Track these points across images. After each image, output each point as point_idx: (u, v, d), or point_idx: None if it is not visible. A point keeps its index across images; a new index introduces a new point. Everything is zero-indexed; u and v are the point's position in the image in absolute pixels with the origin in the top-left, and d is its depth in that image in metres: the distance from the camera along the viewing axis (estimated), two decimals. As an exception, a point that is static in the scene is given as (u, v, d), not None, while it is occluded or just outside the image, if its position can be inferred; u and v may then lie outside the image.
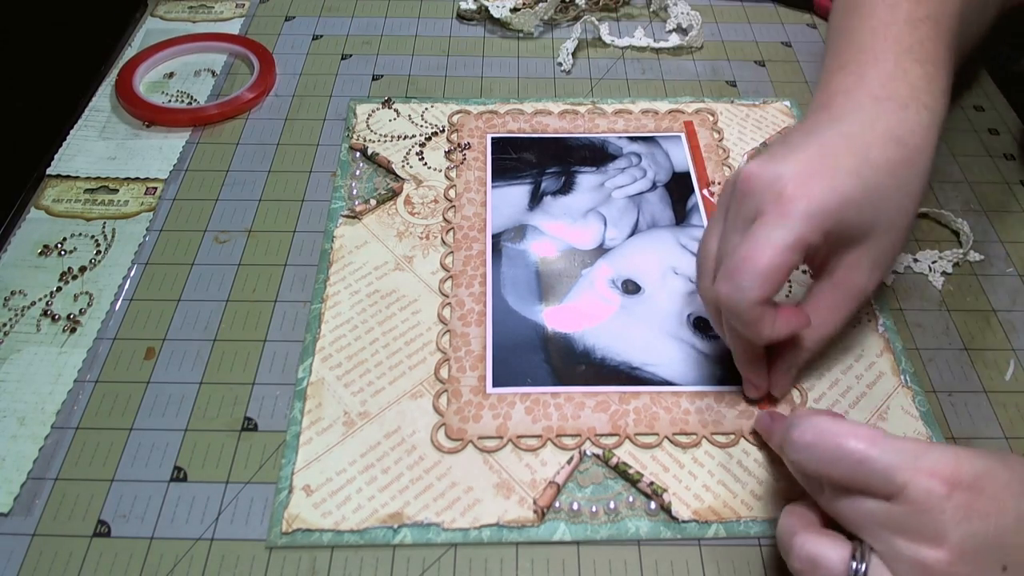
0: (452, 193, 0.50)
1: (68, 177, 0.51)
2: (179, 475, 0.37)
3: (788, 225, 0.33)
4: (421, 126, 0.54)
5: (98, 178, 0.51)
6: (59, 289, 0.44)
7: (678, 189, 0.51)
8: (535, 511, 0.36)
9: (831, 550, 0.29)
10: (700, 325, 0.43)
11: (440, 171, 0.51)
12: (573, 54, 0.61)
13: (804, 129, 0.37)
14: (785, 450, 0.32)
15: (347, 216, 0.49)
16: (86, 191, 0.50)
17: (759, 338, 0.35)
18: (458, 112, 0.55)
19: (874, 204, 0.34)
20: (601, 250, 0.47)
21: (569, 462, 0.38)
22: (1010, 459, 0.29)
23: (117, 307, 0.44)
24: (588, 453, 0.38)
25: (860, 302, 0.37)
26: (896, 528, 0.28)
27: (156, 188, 0.50)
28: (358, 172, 0.51)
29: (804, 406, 0.40)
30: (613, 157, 0.53)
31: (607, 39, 0.62)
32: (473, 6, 0.64)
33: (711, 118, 0.55)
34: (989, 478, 0.28)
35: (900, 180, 0.35)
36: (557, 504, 0.37)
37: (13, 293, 0.44)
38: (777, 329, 0.34)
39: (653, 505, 0.37)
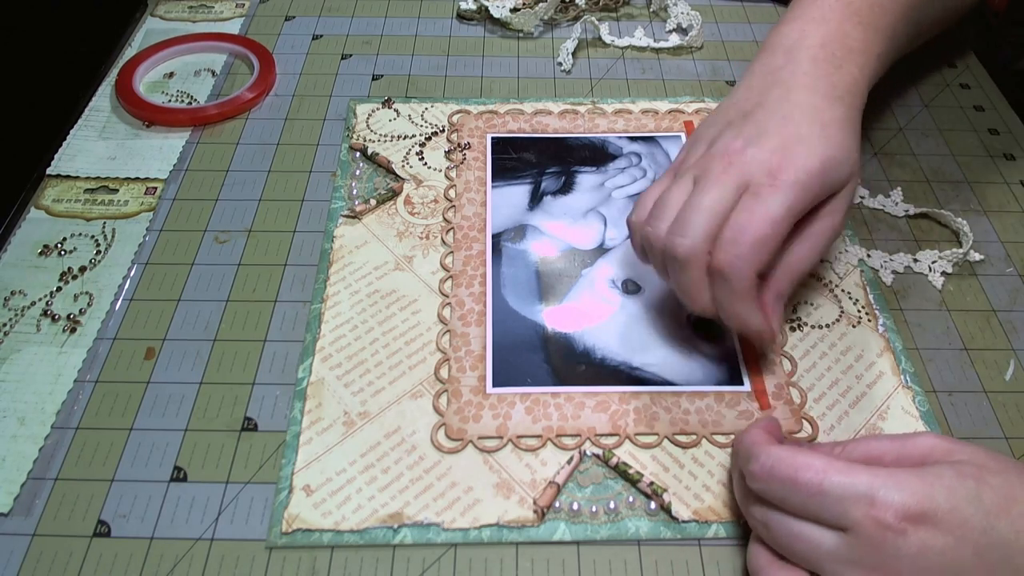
0: (452, 193, 0.50)
1: (68, 177, 0.51)
2: (179, 475, 0.37)
3: (782, 196, 0.35)
4: (421, 126, 0.54)
5: (98, 178, 0.51)
6: (59, 289, 0.44)
7: (678, 189, 0.51)
8: (535, 511, 0.36)
9: None
10: (700, 325, 0.43)
11: (440, 171, 0.51)
12: (573, 54, 0.61)
13: (756, 99, 0.39)
14: (746, 480, 0.33)
15: (347, 216, 0.49)
16: (86, 191, 0.50)
17: (745, 304, 0.36)
18: (458, 112, 0.55)
19: (844, 157, 0.37)
20: (601, 250, 0.47)
21: (569, 462, 0.38)
22: (984, 484, 0.29)
23: (117, 307, 0.44)
24: (588, 453, 0.38)
25: (835, 238, 0.40)
26: (849, 561, 0.29)
27: (156, 188, 0.50)
28: (358, 172, 0.51)
29: (804, 406, 0.40)
30: (613, 157, 0.53)
31: (607, 39, 0.62)
32: (473, 6, 0.64)
33: (711, 118, 0.55)
34: (948, 512, 0.28)
35: (850, 133, 0.38)
36: (557, 504, 0.37)
37: (13, 293, 0.44)
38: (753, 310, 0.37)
39: (653, 505, 0.37)
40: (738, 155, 0.37)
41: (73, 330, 0.43)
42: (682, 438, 0.39)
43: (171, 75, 0.59)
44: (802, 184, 0.35)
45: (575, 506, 0.36)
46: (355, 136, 0.54)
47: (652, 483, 0.37)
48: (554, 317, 0.44)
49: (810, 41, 0.40)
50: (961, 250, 0.47)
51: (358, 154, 0.53)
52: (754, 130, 0.37)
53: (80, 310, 0.43)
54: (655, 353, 0.42)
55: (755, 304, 0.37)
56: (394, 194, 0.50)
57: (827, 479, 0.29)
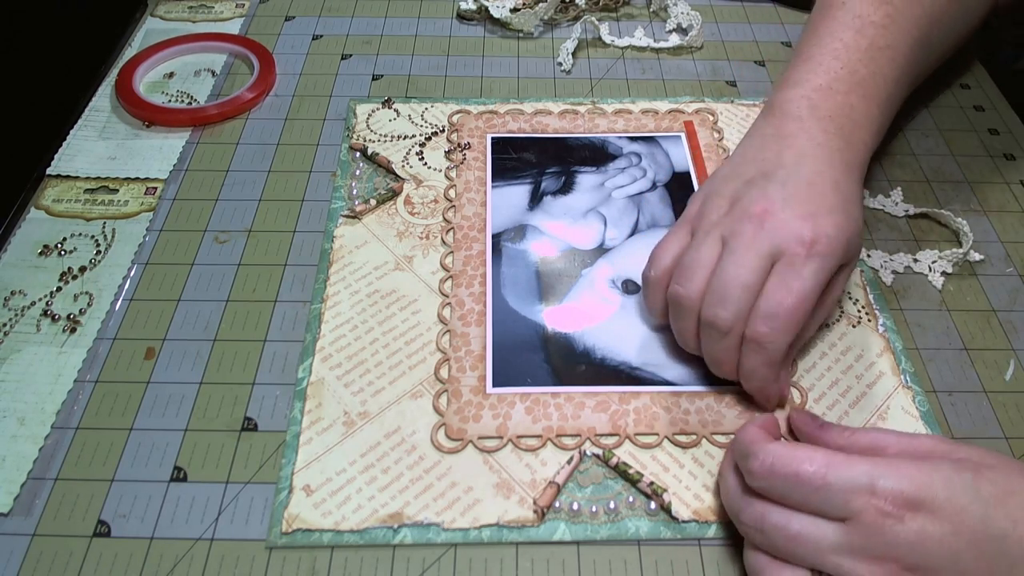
0: (452, 193, 0.50)
1: (68, 177, 0.51)
2: (179, 475, 0.37)
3: (815, 267, 0.35)
4: (421, 126, 0.54)
5: (98, 178, 0.51)
6: (59, 289, 0.44)
7: (678, 189, 0.51)
8: (535, 511, 0.36)
9: None
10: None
11: (440, 171, 0.51)
12: (573, 54, 0.61)
13: (774, 159, 0.39)
14: (746, 479, 0.33)
15: (347, 216, 0.49)
16: (86, 191, 0.50)
17: (773, 371, 0.37)
18: (458, 112, 0.55)
19: (860, 233, 0.38)
20: (601, 250, 0.47)
21: (569, 462, 0.38)
22: (981, 477, 0.29)
23: (117, 307, 0.44)
24: (588, 453, 0.38)
25: (836, 307, 0.41)
26: (849, 551, 0.29)
27: (156, 188, 0.50)
28: (358, 172, 0.51)
29: (804, 406, 0.40)
30: (613, 157, 0.53)
31: (607, 39, 0.62)
32: (473, 6, 0.64)
33: (711, 118, 0.55)
34: (946, 501, 0.28)
35: (861, 208, 0.39)
36: (557, 504, 0.37)
37: (13, 293, 0.44)
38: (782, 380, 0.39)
39: (653, 505, 0.37)
40: (770, 217, 0.36)
41: (73, 330, 0.43)
42: (682, 438, 0.39)
43: (171, 75, 0.59)
44: (833, 255, 0.36)
45: (575, 506, 0.36)
46: (355, 136, 0.54)
47: (652, 483, 0.37)
48: (554, 317, 0.44)
49: (820, 113, 0.40)
50: (961, 250, 0.47)
51: (358, 154, 0.53)
52: (781, 192, 0.37)
53: (80, 310, 0.43)
54: (655, 353, 0.42)
55: (780, 372, 0.38)
56: (394, 194, 0.50)
57: (829, 472, 0.30)
